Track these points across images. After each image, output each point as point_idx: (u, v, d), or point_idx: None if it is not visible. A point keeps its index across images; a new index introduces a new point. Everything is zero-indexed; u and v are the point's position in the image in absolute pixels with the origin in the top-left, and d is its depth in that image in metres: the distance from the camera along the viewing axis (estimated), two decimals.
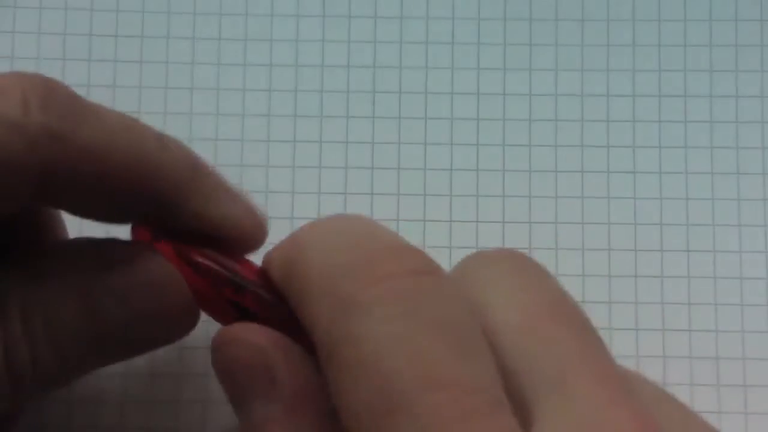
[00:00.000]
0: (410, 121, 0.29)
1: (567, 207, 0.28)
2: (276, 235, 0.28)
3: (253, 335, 0.20)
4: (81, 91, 0.29)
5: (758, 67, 0.29)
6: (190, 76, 0.29)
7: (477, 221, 0.28)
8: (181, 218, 0.22)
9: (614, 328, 0.28)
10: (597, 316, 0.28)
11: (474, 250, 0.28)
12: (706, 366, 0.28)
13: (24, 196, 0.20)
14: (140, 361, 0.27)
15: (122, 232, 0.23)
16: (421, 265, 0.18)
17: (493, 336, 0.17)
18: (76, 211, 0.22)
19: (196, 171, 0.22)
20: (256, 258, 0.23)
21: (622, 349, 0.28)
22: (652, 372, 0.27)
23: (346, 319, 0.17)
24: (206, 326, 0.28)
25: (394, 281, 0.17)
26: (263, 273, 0.22)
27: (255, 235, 0.23)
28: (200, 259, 0.22)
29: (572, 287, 0.28)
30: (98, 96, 0.28)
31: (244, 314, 0.22)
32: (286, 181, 0.28)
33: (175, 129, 0.27)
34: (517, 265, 0.19)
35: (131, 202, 0.21)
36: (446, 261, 0.28)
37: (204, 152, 0.28)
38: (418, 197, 0.28)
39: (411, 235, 0.28)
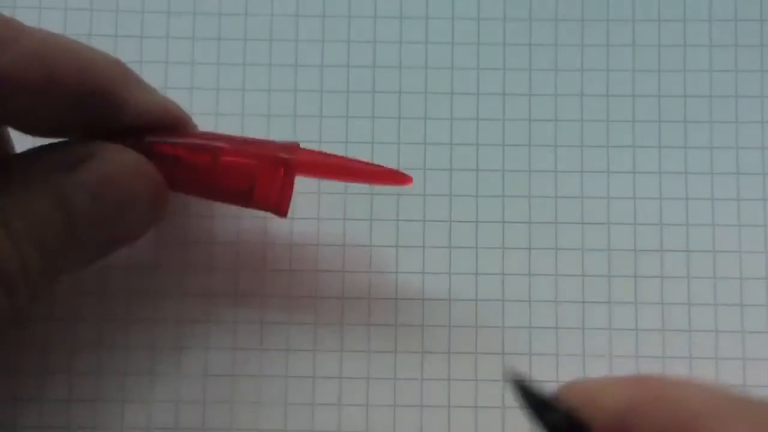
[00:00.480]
0: (410, 121, 0.29)
1: (567, 207, 0.28)
2: (273, 233, 0.28)
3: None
4: None
5: (758, 67, 0.29)
6: (190, 76, 0.29)
7: (477, 221, 0.28)
8: (120, 113, 0.24)
9: (614, 328, 0.28)
10: (597, 316, 0.28)
11: (473, 251, 0.28)
12: (706, 366, 0.28)
13: None
14: (140, 361, 0.27)
15: None
16: None
17: None
18: (24, 124, 0.23)
19: (123, 65, 0.24)
20: None
21: (622, 349, 0.28)
22: (652, 372, 0.27)
23: None
24: (206, 326, 0.28)
25: None
26: None
27: (186, 116, 0.26)
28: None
29: (572, 287, 0.28)
30: None
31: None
32: None
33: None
34: None
35: (75, 104, 0.23)
36: (446, 261, 0.28)
37: None
38: (417, 197, 0.28)
39: (410, 235, 0.28)
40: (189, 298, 0.28)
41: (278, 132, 0.29)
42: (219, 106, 0.29)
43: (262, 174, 0.25)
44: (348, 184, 0.28)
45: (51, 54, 0.22)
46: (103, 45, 0.29)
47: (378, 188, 0.28)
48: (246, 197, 0.25)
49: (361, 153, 0.29)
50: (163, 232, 0.28)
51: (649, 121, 0.29)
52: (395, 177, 0.26)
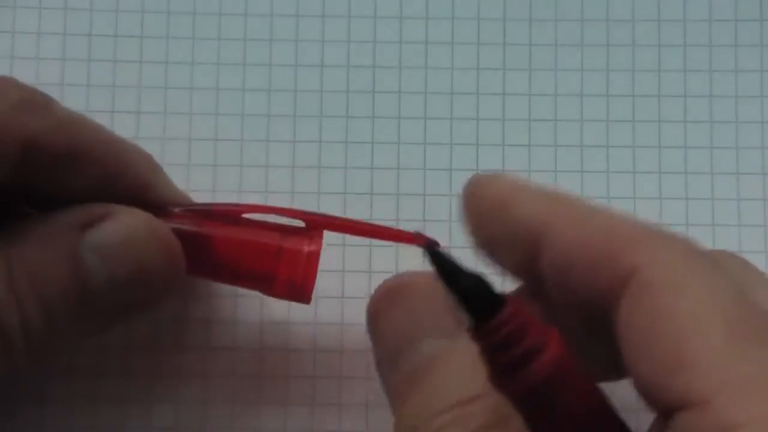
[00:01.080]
0: (410, 121, 0.29)
1: None
2: None
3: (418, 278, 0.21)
4: (80, 91, 0.29)
5: (758, 67, 0.29)
6: (189, 76, 0.29)
7: None
8: (145, 195, 0.24)
9: None
10: None
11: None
12: None
13: (7, 164, 0.21)
14: (140, 361, 0.27)
15: None
16: None
17: None
18: (51, 190, 0.23)
19: (151, 158, 0.24)
20: None
21: None
22: None
23: None
24: (206, 327, 0.28)
25: None
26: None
27: None
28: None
29: None
30: (98, 96, 0.28)
31: None
32: (286, 181, 0.28)
33: (174, 128, 0.27)
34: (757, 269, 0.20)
35: (99, 179, 0.23)
36: None
37: (203, 152, 0.28)
38: (417, 197, 0.28)
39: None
40: (189, 299, 0.28)
41: (278, 132, 0.29)
42: (219, 106, 0.29)
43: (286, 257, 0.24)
44: (347, 180, 0.28)
45: (79, 125, 0.22)
46: (103, 45, 0.29)
47: (378, 188, 0.28)
48: (268, 281, 0.24)
49: (361, 153, 0.29)
50: None
51: (649, 121, 0.29)
52: (417, 239, 0.23)
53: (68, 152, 0.22)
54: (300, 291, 0.24)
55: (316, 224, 0.24)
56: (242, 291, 0.28)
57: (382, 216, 0.28)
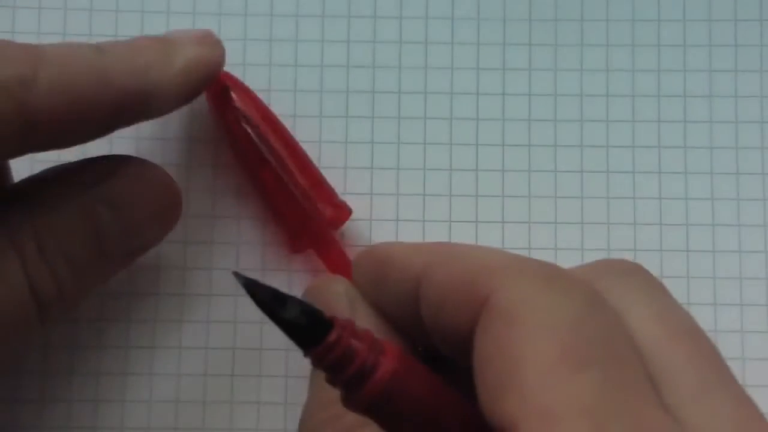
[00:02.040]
0: (409, 121, 0.29)
1: (566, 207, 0.28)
2: (272, 235, 0.28)
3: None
4: None
5: (758, 67, 0.29)
6: None
7: (476, 221, 0.28)
8: (150, 109, 0.24)
9: None
10: None
11: None
12: None
13: (13, 146, 0.21)
14: (140, 361, 0.27)
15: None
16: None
17: (639, 340, 0.18)
18: (54, 146, 0.23)
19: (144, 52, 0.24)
20: None
21: None
22: None
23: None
24: (206, 327, 0.28)
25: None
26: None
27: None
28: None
29: None
30: None
31: None
32: None
33: (174, 129, 0.27)
34: (652, 282, 0.20)
35: (102, 116, 0.23)
36: None
37: (204, 153, 0.28)
38: (417, 197, 0.28)
39: (410, 236, 0.28)
40: (189, 298, 0.28)
41: None
42: None
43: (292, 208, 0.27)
44: (347, 181, 0.28)
45: (70, 80, 0.22)
46: None
47: (378, 187, 0.28)
48: (276, 208, 0.27)
49: (361, 153, 0.29)
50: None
51: (649, 121, 0.29)
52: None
53: (64, 115, 0.22)
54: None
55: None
56: (242, 291, 0.28)
57: (382, 216, 0.28)
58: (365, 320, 0.22)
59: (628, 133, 0.29)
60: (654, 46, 0.29)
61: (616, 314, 0.18)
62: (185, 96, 0.24)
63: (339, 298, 0.23)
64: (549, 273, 0.18)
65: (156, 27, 0.29)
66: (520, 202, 0.28)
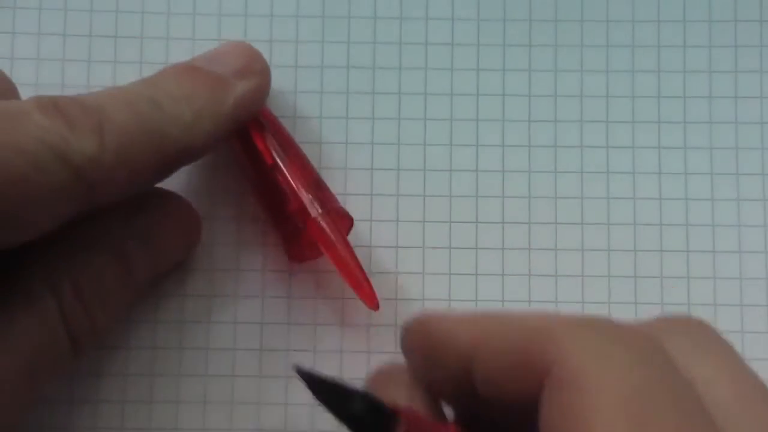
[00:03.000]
0: (410, 121, 0.29)
1: (566, 207, 0.28)
2: (273, 236, 0.28)
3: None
4: (80, 92, 0.29)
5: (758, 68, 0.29)
6: None
7: (476, 222, 0.28)
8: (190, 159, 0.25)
9: None
10: None
11: (473, 251, 0.28)
12: None
13: (72, 213, 0.21)
14: (140, 361, 0.27)
15: None
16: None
17: (711, 403, 0.17)
18: (106, 204, 0.23)
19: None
20: None
21: None
22: None
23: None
24: (206, 327, 0.28)
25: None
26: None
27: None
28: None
29: (572, 287, 0.28)
30: None
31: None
32: None
33: None
34: (719, 341, 0.19)
35: (154, 172, 0.23)
36: (446, 262, 0.28)
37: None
38: (417, 197, 0.28)
39: (410, 237, 0.28)
40: (189, 298, 0.28)
41: None
42: None
43: (292, 208, 0.26)
44: (347, 180, 0.28)
45: (132, 150, 0.22)
46: (103, 45, 0.29)
47: (378, 187, 0.28)
48: (276, 218, 0.27)
49: (361, 153, 0.29)
50: None
51: (649, 122, 0.29)
52: (372, 301, 0.26)
53: (126, 183, 0.22)
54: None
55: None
56: (242, 292, 0.28)
57: (382, 216, 0.28)
58: (421, 405, 0.21)
59: (628, 133, 0.29)
60: (654, 46, 0.29)
61: (684, 374, 0.17)
62: (231, 134, 0.25)
63: (399, 387, 0.22)
64: (612, 332, 0.18)
65: (156, 27, 0.29)
66: (520, 203, 0.28)
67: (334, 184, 0.28)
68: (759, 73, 0.29)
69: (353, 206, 0.28)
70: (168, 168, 0.24)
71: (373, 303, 0.26)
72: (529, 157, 0.29)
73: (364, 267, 0.26)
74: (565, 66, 0.29)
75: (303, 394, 0.27)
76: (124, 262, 0.24)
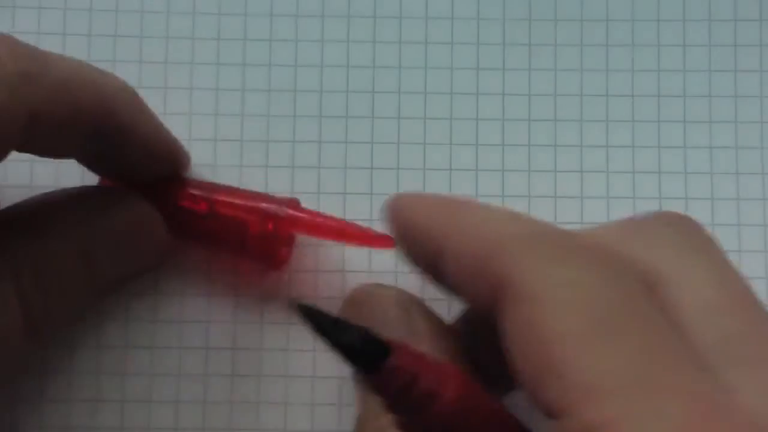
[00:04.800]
0: (409, 121, 0.29)
1: (567, 207, 0.28)
2: None
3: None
4: None
5: (757, 67, 0.29)
6: (189, 76, 0.29)
7: None
8: (126, 147, 0.24)
9: None
10: None
11: None
12: None
13: (14, 141, 0.21)
14: (140, 361, 0.27)
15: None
16: None
17: (685, 307, 0.18)
18: (40, 151, 0.23)
19: (133, 94, 0.24)
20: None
21: None
22: None
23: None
24: (204, 327, 0.28)
25: None
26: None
27: (186, 158, 0.27)
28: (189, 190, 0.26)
29: None
30: None
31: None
32: (286, 182, 0.28)
33: (174, 129, 0.27)
34: (703, 238, 0.20)
35: (92, 133, 0.23)
36: None
37: (203, 152, 0.28)
38: None
39: None
40: (189, 298, 0.28)
41: (278, 132, 0.29)
42: (218, 106, 0.29)
43: (254, 227, 0.26)
44: (347, 180, 0.28)
45: (76, 86, 0.22)
46: (102, 45, 0.29)
47: (377, 187, 0.28)
48: (241, 248, 0.26)
49: (361, 153, 0.29)
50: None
51: (649, 121, 0.29)
52: (382, 242, 0.26)
53: (64, 118, 0.22)
54: (270, 261, 0.27)
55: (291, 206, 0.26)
56: (242, 292, 0.28)
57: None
58: (422, 327, 0.22)
59: (628, 133, 0.29)
60: (654, 46, 0.29)
61: (642, 280, 0.18)
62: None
63: (389, 306, 0.23)
64: (565, 245, 0.18)
65: (156, 27, 0.29)
66: (519, 202, 0.28)
67: (334, 183, 0.28)
68: (759, 73, 0.29)
69: (353, 206, 0.28)
70: (105, 133, 0.24)
71: (388, 242, 0.25)
72: (529, 157, 0.29)
73: (364, 267, 0.26)
74: (565, 65, 0.29)
75: (302, 394, 0.27)
76: (86, 259, 0.24)
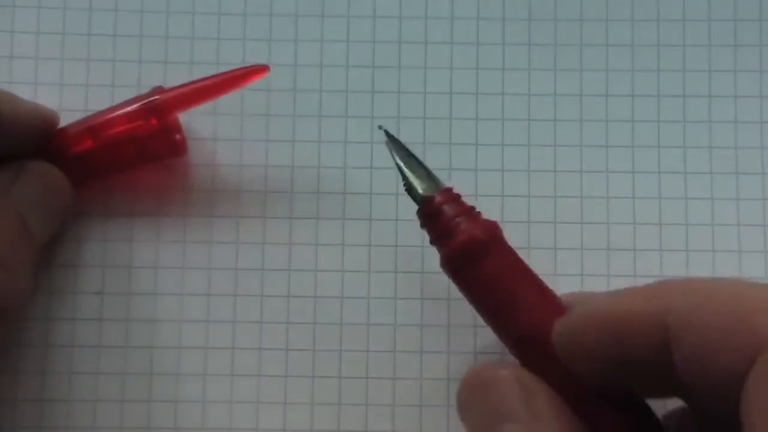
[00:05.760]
0: (409, 121, 0.29)
1: (566, 207, 0.28)
2: (273, 233, 0.28)
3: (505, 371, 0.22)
4: (79, 91, 0.29)
5: (757, 67, 0.29)
6: (189, 76, 0.29)
7: None
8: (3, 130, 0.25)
9: None
10: None
11: None
12: None
13: None
14: (140, 362, 0.27)
15: None
16: None
17: None
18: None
19: None
20: None
21: None
22: None
23: None
24: (204, 327, 0.28)
25: None
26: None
27: (52, 112, 0.27)
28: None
29: (571, 287, 0.28)
30: (96, 95, 0.29)
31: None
32: (285, 181, 0.28)
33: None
34: None
35: None
36: None
37: (203, 152, 0.28)
38: None
39: (410, 236, 0.28)
40: (189, 298, 0.28)
41: (278, 132, 0.29)
42: (218, 106, 0.29)
43: (142, 131, 0.26)
44: (346, 182, 0.28)
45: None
46: (102, 45, 0.29)
47: (377, 187, 0.28)
48: (142, 155, 0.27)
49: (361, 153, 0.29)
50: (163, 233, 0.28)
51: (649, 121, 0.29)
52: (254, 72, 0.27)
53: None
54: (173, 152, 0.28)
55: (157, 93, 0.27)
56: (241, 291, 0.28)
57: (382, 216, 0.28)
58: (546, 405, 0.21)
59: (628, 133, 0.29)
60: (654, 46, 0.29)
61: None
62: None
63: (510, 385, 0.22)
64: None
65: (156, 27, 0.29)
66: (519, 202, 0.28)
67: (334, 183, 0.28)
68: (759, 73, 0.29)
69: (353, 206, 0.28)
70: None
71: (263, 69, 0.27)
72: (528, 157, 0.29)
73: (364, 266, 0.26)
74: (565, 65, 0.29)
75: (302, 393, 0.27)
76: (24, 224, 0.25)
